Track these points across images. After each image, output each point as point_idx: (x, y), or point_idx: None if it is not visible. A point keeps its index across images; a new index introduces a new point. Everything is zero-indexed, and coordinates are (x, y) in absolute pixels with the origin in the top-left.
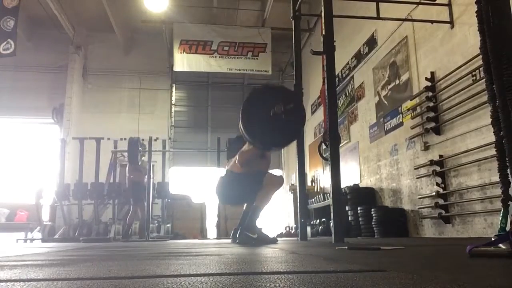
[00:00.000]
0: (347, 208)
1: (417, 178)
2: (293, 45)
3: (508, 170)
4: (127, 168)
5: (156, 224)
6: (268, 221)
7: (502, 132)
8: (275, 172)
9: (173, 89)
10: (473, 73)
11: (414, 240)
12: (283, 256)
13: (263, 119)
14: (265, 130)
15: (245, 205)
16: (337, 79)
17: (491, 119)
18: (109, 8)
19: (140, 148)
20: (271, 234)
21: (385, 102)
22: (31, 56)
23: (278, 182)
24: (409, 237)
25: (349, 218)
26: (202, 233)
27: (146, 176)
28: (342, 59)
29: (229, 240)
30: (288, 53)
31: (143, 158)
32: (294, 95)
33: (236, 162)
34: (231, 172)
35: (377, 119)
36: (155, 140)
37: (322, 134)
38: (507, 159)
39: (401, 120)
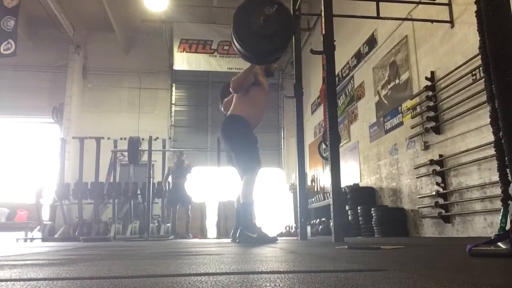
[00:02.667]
0: (347, 207)
1: (417, 177)
2: (293, 45)
3: (508, 170)
4: (170, 170)
5: (156, 224)
6: (268, 221)
7: (501, 132)
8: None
9: (173, 88)
10: (473, 72)
11: (414, 239)
12: (283, 256)
13: (254, 25)
14: (256, 36)
15: (235, 204)
16: (337, 78)
17: (490, 119)
18: (109, 7)
19: (140, 148)
20: (271, 233)
21: (385, 101)
22: (31, 56)
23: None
24: (409, 236)
25: (349, 218)
26: (202, 233)
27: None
28: (342, 58)
29: (229, 240)
30: (288, 52)
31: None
32: (283, 5)
33: (231, 88)
34: (231, 115)
35: (377, 119)
36: (155, 139)
37: (322, 133)
38: (506, 158)
39: (401, 120)
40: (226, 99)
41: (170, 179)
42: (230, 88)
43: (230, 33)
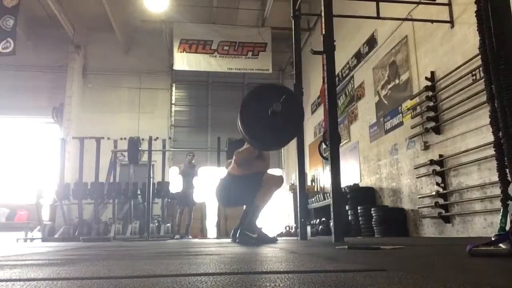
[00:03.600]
0: (347, 207)
1: (417, 177)
2: (293, 45)
3: (507, 170)
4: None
5: (156, 224)
6: (268, 221)
7: (500, 132)
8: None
9: (173, 88)
10: (473, 72)
11: (414, 239)
12: (283, 256)
13: (261, 118)
14: (263, 128)
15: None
16: (337, 78)
17: (489, 119)
18: (109, 7)
19: (140, 148)
20: (271, 233)
21: (385, 101)
22: (31, 56)
23: (277, 181)
24: (409, 236)
25: (349, 218)
26: (202, 233)
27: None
28: (342, 58)
29: (229, 240)
30: (288, 52)
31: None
32: (293, 94)
33: (233, 161)
34: (230, 175)
35: (377, 119)
36: (155, 139)
37: (322, 133)
38: (505, 158)
39: (401, 120)
40: (229, 161)
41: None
42: (234, 161)
43: (236, 122)
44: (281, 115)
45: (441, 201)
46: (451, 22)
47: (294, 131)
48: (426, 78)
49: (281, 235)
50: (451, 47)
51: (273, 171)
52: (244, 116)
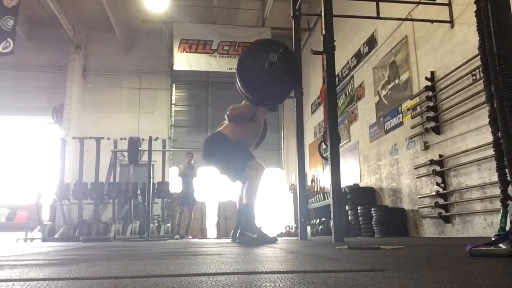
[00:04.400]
0: (347, 207)
1: (417, 177)
2: (293, 45)
3: (507, 170)
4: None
5: (156, 224)
6: (268, 221)
7: (499, 132)
8: (275, 171)
9: (173, 88)
10: (473, 72)
11: (414, 239)
12: (283, 256)
13: (259, 72)
14: (261, 81)
15: (237, 204)
16: (337, 78)
17: (489, 119)
18: (109, 7)
19: (140, 148)
20: (271, 233)
21: (385, 101)
22: (31, 56)
23: (260, 169)
24: (409, 236)
25: (349, 218)
26: (202, 233)
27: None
28: (342, 58)
29: (229, 240)
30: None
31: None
32: (288, 48)
33: (226, 115)
34: (220, 133)
35: (377, 119)
36: (155, 139)
37: (322, 133)
38: (505, 158)
39: (401, 120)
40: (222, 122)
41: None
42: (226, 115)
43: (235, 77)
44: (278, 68)
45: (441, 201)
46: (451, 22)
47: (291, 84)
48: (426, 78)
49: (281, 235)
50: (451, 47)
51: (272, 171)
52: (242, 71)
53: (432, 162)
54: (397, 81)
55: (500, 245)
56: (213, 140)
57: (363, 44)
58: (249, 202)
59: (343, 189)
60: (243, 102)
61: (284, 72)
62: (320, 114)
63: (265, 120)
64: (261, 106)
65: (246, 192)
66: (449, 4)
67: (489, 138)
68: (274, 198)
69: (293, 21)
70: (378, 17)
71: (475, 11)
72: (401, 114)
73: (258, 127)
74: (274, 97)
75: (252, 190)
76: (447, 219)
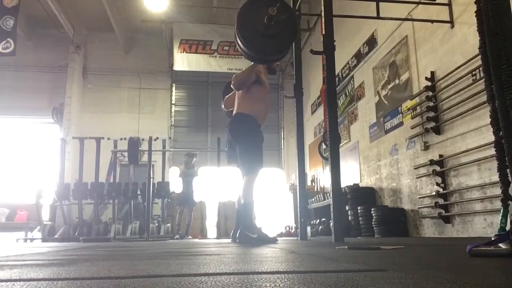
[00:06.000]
0: (347, 208)
1: (417, 177)
2: (293, 45)
3: (508, 170)
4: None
5: (156, 224)
6: (268, 221)
7: (501, 132)
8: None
9: (173, 88)
10: (473, 72)
11: (414, 239)
12: (283, 256)
13: (258, 27)
14: (261, 37)
15: (236, 204)
16: (337, 78)
17: (490, 119)
18: (109, 7)
19: (140, 148)
20: (271, 233)
21: (385, 101)
22: (31, 56)
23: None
24: (409, 236)
25: (349, 218)
26: (202, 233)
27: None
28: (342, 58)
29: (229, 240)
30: (288, 52)
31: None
32: (286, 3)
33: (232, 85)
34: (238, 113)
35: (377, 119)
36: (155, 140)
37: (322, 134)
38: (506, 158)
39: (401, 120)
40: (227, 96)
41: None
42: (232, 85)
43: (234, 33)
44: (277, 22)
45: (441, 201)
46: (451, 22)
47: (290, 37)
48: (426, 78)
49: (281, 235)
50: (451, 47)
51: (272, 171)
52: (242, 28)
53: (432, 162)
54: (397, 81)
55: (500, 245)
56: (236, 122)
57: (363, 44)
58: (247, 201)
59: (343, 189)
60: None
61: (283, 25)
62: (320, 114)
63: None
64: (263, 63)
65: (243, 192)
66: (449, 4)
67: (489, 138)
68: (274, 198)
69: None
70: (378, 17)
71: (475, 11)
72: (401, 114)
73: (266, 90)
74: (276, 51)
75: (249, 189)
76: (447, 219)
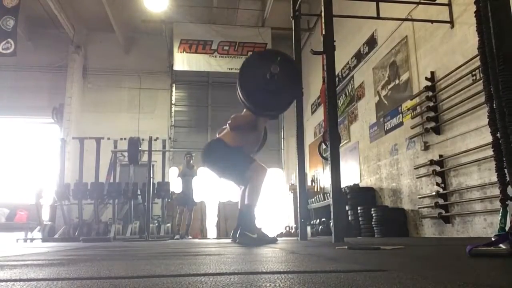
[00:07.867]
0: (347, 207)
1: (417, 178)
2: (293, 45)
3: (506, 170)
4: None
5: (156, 224)
6: (268, 221)
7: (499, 132)
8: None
9: (173, 88)
10: (473, 72)
11: (414, 240)
12: (283, 256)
13: (260, 82)
14: (263, 92)
15: (239, 204)
16: (337, 78)
17: (488, 120)
18: (109, 7)
19: (140, 148)
20: (271, 233)
21: (385, 101)
22: (31, 56)
23: (261, 171)
24: (409, 237)
25: (349, 218)
26: (202, 233)
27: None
28: (342, 58)
29: (229, 240)
30: (288, 52)
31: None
32: (289, 57)
33: (227, 124)
34: (220, 140)
35: (377, 119)
36: (155, 140)
37: (322, 134)
38: (504, 159)
39: (401, 120)
40: (222, 127)
41: (179, 180)
42: (228, 124)
43: (236, 87)
44: (280, 78)
45: (441, 201)
46: (451, 22)
47: (293, 94)
48: (426, 78)
49: (281, 235)
50: (451, 47)
51: (272, 171)
52: (243, 82)
53: (432, 162)
54: (397, 81)
55: (500, 245)
56: (212, 146)
57: (363, 44)
58: (251, 203)
59: (343, 189)
60: (244, 110)
61: (285, 82)
62: (320, 114)
63: (265, 127)
64: (262, 117)
65: (248, 194)
66: (449, 4)
67: (489, 138)
68: (274, 198)
69: (293, 21)
70: (378, 17)
71: (475, 11)
72: (401, 114)
73: (259, 135)
74: (276, 108)
75: (254, 192)
76: (447, 219)
